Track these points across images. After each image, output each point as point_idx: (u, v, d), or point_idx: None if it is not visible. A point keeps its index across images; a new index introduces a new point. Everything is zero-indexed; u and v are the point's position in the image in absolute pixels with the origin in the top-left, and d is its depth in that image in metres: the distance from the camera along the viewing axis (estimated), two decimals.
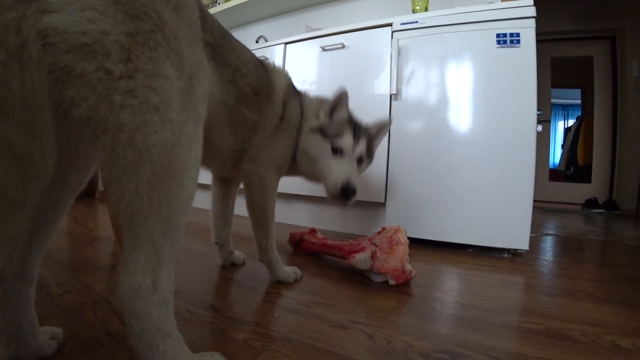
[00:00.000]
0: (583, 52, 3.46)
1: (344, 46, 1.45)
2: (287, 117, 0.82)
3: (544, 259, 1.18)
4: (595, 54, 3.41)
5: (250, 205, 0.79)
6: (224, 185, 0.93)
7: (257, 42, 2.32)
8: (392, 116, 1.31)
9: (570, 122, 4.45)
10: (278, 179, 0.84)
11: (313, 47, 1.53)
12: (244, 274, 0.88)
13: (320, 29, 1.63)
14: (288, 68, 1.59)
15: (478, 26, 1.19)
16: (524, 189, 1.12)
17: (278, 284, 0.80)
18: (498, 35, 1.15)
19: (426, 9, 1.46)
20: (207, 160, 0.76)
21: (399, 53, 1.29)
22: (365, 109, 1.34)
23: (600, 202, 3.46)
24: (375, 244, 0.86)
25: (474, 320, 0.66)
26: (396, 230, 0.86)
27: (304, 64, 1.57)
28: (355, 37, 1.43)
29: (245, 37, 2.70)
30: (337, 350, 0.52)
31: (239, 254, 0.96)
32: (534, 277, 0.98)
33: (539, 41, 2.15)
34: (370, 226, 1.41)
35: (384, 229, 0.89)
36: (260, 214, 0.79)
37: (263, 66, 0.79)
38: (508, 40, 1.14)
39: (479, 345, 0.56)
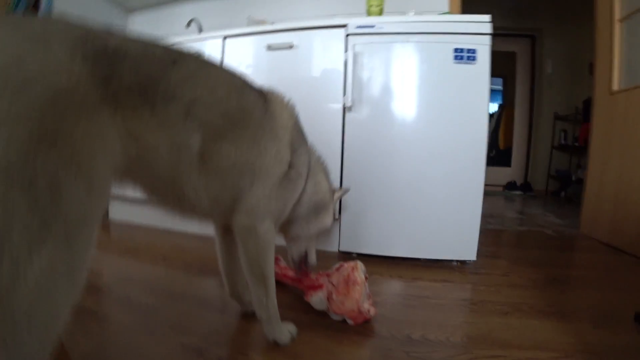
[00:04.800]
0: (508, 47, 3.93)
1: (292, 46, 1.39)
2: (297, 165, 0.75)
3: (484, 271, 1.35)
4: (518, 50, 3.92)
5: (247, 263, 0.72)
6: (229, 234, 0.84)
7: (187, 26, 2.09)
8: (345, 129, 1.32)
9: (494, 106, 5.09)
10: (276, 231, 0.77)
11: (257, 44, 1.44)
12: (204, 337, 0.83)
13: (264, 21, 1.53)
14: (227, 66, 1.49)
15: (436, 38, 1.24)
16: (474, 205, 1.26)
17: (245, 349, 0.78)
18: (456, 50, 1.22)
19: (381, 12, 1.47)
20: (189, 216, 0.67)
21: (354, 61, 1.29)
22: (317, 121, 1.34)
23: (518, 184, 4.09)
24: (332, 283, 0.89)
25: None
26: (353, 269, 0.89)
27: (245, 63, 1.47)
28: (306, 37, 1.38)
29: (172, 18, 2.43)
30: None
31: None
32: (484, 291, 1.12)
33: None
34: (325, 241, 1.43)
35: (342, 265, 0.92)
36: (258, 273, 0.72)
37: (256, 91, 0.70)
38: (465, 56, 1.22)
39: None
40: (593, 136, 1.92)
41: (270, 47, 1.41)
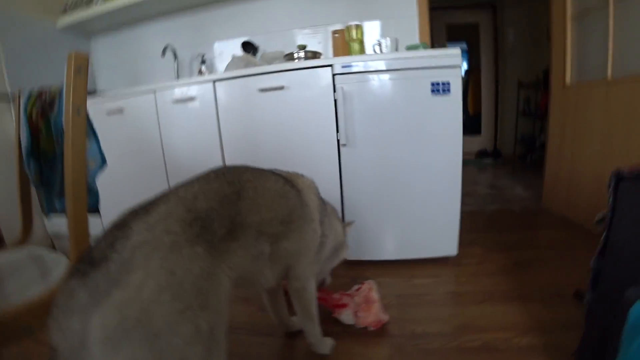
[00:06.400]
0: (471, 19, 4.17)
1: (283, 88, 1.58)
2: (325, 231, 1.02)
3: (464, 261, 1.69)
4: (481, 20, 4.16)
5: (300, 309, 1.01)
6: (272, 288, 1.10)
7: (163, 55, 2.19)
8: (342, 163, 1.57)
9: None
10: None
11: (248, 86, 1.61)
12: None
13: (248, 58, 1.69)
14: (221, 109, 1.67)
15: (414, 73, 1.46)
16: (453, 210, 1.57)
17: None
18: (432, 84, 1.46)
19: (362, 47, 1.66)
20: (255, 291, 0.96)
21: (344, 100, 1.51)
22: (314, 155, 1.59)
23: (489, 150, 4.50)
24: (355, 302, 1.22)
25: (442, 351, 1.07)
26: (369, 290, 1.24)
27: (239, 104, 1.65)
28: (295, 77, 1.57)
29: (136, 40, 2.51)
30: None
31: (298, 320, 1.17)
32: (465, 282, 1.47)
33: (434, 9, 2.58)
34: None
35: (360, 287, 1.26)
36: (308, 314, 1.01)
37: (292, 187, 0.90)
38: (441, 89, 1.46)
39: None
40: (550, 125, 2.26)
41: (262, 90, 1.60)
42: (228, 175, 0.77)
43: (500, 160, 4.27)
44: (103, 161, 0.95)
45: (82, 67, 0.74)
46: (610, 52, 1.73)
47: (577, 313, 0.98)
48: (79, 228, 0.77)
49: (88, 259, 0.53)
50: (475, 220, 2.20)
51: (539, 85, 3.76)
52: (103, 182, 2.11)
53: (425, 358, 1.04)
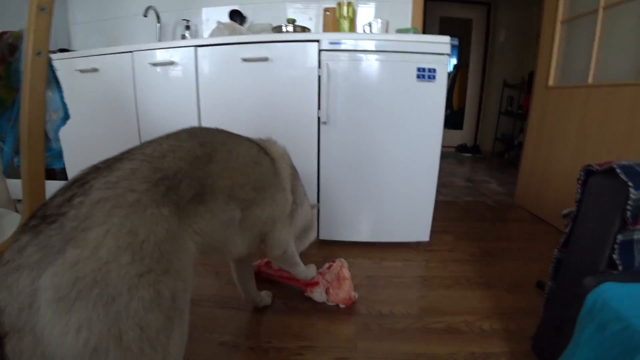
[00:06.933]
0: (465, 14, 4.16)
1: (267, 59, 1.53)
2: (296, 200, 1.01)
3: (435, 248, 1.72)
4: (475, 17, 4.16)
5: (284, 268, 1.10)
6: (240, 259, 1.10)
7: (145, 14, 2.07)
8: (321, 141, 1.55)
9: (450, 66, 5.44)
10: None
11: (232, 54, 1.55)
12: (234, 333, 1.10)
13: (233, 26, 1.62)
14: (202, 76, 1.60)
15: (401, 57, 1.44)
16: (428, 197, 1.58)
17: (267, 337, 1.07)
18: (419, 70, 1.45)
19: (352, 25, 1.62)
20: (225, 259, 0.95)
21: (328, 77, 1.47)
22: (293, 129, 1.56)
23: (469, 146, 4.58)
24: (327, 280, 1.21)
25: (406, 330, 1.08)
26: (341, 267, 1.23)
27: (221, 73, 1.59)
28: (280, 50, 1.52)
29: (122, 4, 2.36)
30: None
31: (266, 296, 1.21)
32: (434, 267, 1.49)
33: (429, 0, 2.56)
34: None
35: (331, 265, 1.25)
36: (294, 268, 1.09)
37: (266, 154, 0.88)
38: (427, 75, 1.45)
39: (413, 354, 0.98)
40: (529, 124, 2.30)
41: (245, 60, 1.54)
42: (201, 135, 0.74)
43: (479, 156, 4.36)
44: (66, 114, 0.89)
45: (46, 5, 0.67)
46: (594, 58, 1.77)
47: (538, 301, 1.02)
48: (35, 184, 0.72)
49: (41, 214, 0.49)
50: (449, 209, 2.24)
51: (524, 87, 3.84)
52: (71, 142, 2.02)
53: (390, 337, 1.06)
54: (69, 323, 0.43)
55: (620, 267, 0.77)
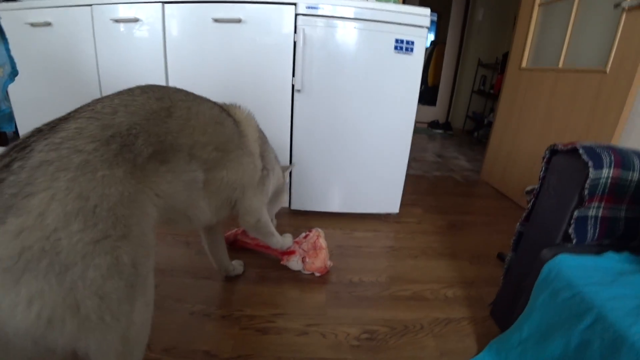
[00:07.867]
0: None
1: (240, 21, 1.44)
2: (266, 165, 0.98)
3: (405, 220, 1.78)
4: None
5: (260, 237, 1.07)
6: (210, 228, 1.07)
7: None
8: (294, 109, 1.51)
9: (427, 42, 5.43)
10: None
11: (203, 14, 1.44)
12: (206, 302, 1.10)
13: None
14: (169, 36, 1.49)
15: (380, 27, 1.40)
16: (400, 169, 1.61)
17: (239, 306, 1.08)
18: (397, 41, 1.42)
19: None
20: (194, 228, 0.90)
21: (304, 43, 1.42)
22: (266, 100, 1.51)
23: (441, 122, 4.67)
24: (303, 249, 1.22)
25: (375, 298, 1.13)
26: (318, 236, 1.24)
27: (190, 35, 1.48)
28: (255, 11, 1.43)
29: None
30: (309, 355, 0.88)
31: (238, 265, 1.20)
32: (403, 238, 1.55)
33: None
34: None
35: (307, 234, 1.25)
36: (269, 238, 1.08)
37: (228, 116, 0.84)
38: (404, 47, 1.43)
39: (381, 320, 1.02)
40: (500, 103, 2.35)
41: (217, 20, 1.44)
42: (157, 91, 0.68)
43: (449, 133, 4.46)
44: (14, 69, 0.80)
45: None
46: (566, 42, 1.80)
47: (498, 271, 1.08)
48: None
49: None
50: (419, 183, 2.30)
51: (497, 67, 3.89)
52: (24, 103, 1.85)
53: (359, 304, 1.10)
54: (19, 295, 0.41)
55: (574, 241, 0.82)
